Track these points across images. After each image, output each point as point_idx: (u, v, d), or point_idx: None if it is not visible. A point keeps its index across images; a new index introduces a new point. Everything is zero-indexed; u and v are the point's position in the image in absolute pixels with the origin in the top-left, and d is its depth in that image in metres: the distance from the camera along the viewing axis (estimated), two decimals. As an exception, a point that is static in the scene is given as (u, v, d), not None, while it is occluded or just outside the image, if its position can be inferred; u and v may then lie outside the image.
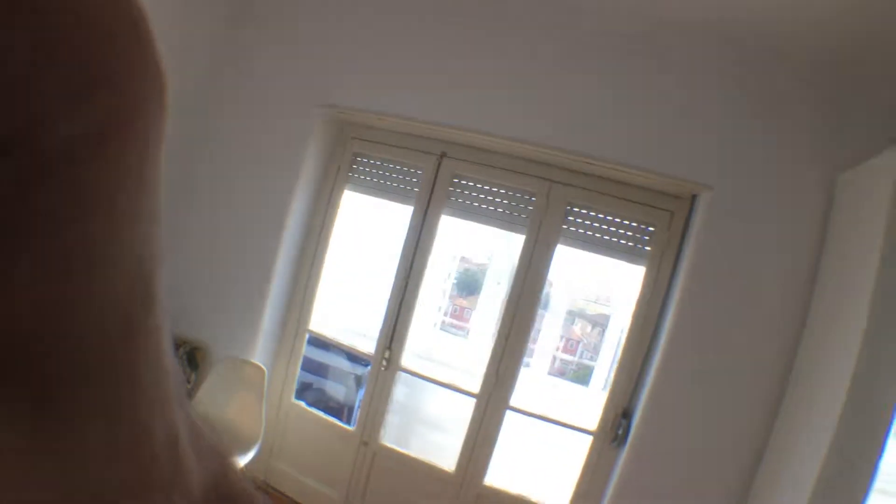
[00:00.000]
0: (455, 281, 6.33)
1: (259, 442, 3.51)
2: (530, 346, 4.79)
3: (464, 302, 6.18)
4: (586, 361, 4.78)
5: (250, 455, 3.45)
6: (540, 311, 4.02)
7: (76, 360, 0.25)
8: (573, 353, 5.28)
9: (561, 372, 5.00)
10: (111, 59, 0.23)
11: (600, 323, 4.92)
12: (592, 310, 5.24)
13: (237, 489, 0.40)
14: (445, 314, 6.32)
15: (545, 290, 3.69)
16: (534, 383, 4.56)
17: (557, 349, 5.25)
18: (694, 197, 3.19)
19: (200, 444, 0.35)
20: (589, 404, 3.61)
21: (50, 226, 0.22)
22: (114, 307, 0.25)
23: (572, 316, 5.21)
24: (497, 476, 3.76)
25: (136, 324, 0.27)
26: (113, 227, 0.24)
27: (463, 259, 6.24)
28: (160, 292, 0.28)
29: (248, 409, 3.62)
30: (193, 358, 3.99)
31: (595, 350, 5.01)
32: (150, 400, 0.29)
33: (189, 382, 3.95)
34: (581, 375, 4.84)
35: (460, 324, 6.19)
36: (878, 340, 2.21)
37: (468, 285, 6.14)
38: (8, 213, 0.21)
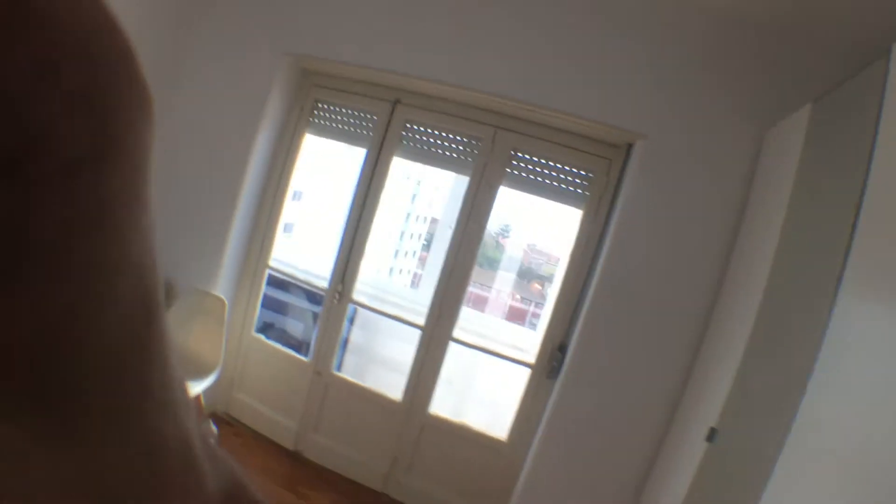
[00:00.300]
0: (425, 242, 6.58)
1: (219, 369, 3.72)
2: (486, 295, 5.04)
3: (426, 255, 6.44)
4: (538, 310, 5.03)
5: (210, 381, 3.65)
6: (498, 271, 4.26)
7: (86, 367, 0.25)
8: (528, 303, 5.52)
9: (517, 319, 5.25)
10: (106, 77, 0.25)
11: (549, 277, 5.16)
12: (546, 270, 5.47)
13: (253, 500, 0.42)
14: (410, 271, 6.60)
15: (504, 253, 3.90)
16: (486, 326, 4.81)
17: (513, 298, 5.50)
18: (630, 146, 3.41)
19: (213, 453, 0.36)
20: (534, 344, 3.85)
21: (55, 240, 0.23)
22: (120, 316, 0.26)
23: (527, 275, 5.44)
24: (441, 406, 4.04)
25: (142, 332, 0.28)
26: (115, 239, 0.25)
27: (433, 221, 6.49)
28: (162, 301, 0.29)
29: (208, 338, 3.84)
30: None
31: (545, 298, 5.27)
32: (161, 406, 0.30)
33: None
34: (533, 322, 5.09)
35: (419, 272, 6.45)
36: (779, 288, 2.45)
37: (430, 242, 6.40)
38: (14, 229, 0.22)
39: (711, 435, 2.55)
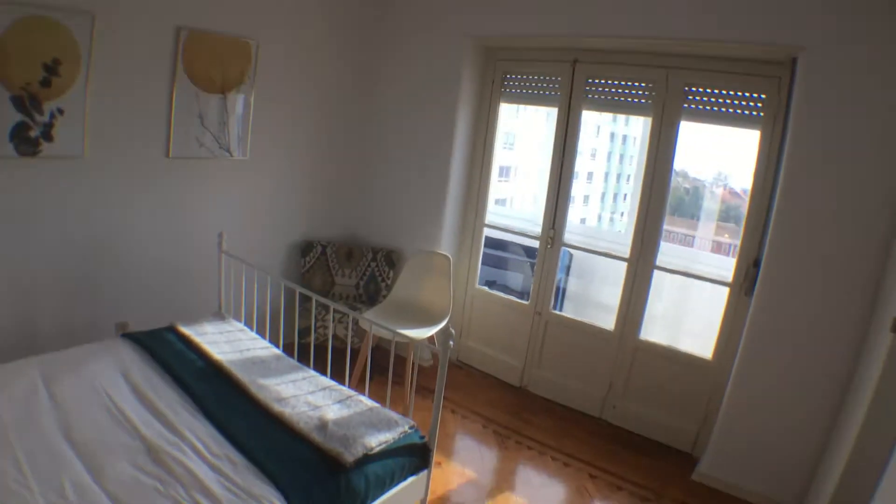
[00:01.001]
0: (623, 185, 7.03)
1: (448, 315, 4.37)
2: (690, 233, 5.35)
3: (624, 196, 6.87)
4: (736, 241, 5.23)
5: (441, 326, 4.30)
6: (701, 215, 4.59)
7: None
8: (732, 235, 5.70)
9: (718, 251, 5.47)
10: None
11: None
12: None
13: None
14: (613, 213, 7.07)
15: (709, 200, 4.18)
16: (688, 259, 5.11)
17: (715, 235, 5.68)
18: (794, 60, 3.55)
19: None
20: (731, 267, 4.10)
21: None
22: None
23: (730, 216, 5.59)
24: (650, 332, 4.43)
25: None
26: None
27: (628, 163, 6.90)
28: None
29: (438, 290, 4.54)
30: (390, 259, 5.00)
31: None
32: None
33: (388, 279, 4.94)
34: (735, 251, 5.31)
35: (620, 213, 6.86)
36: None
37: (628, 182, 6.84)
38: None
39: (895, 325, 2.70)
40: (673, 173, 4.15)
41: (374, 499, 2.52)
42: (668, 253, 4.43)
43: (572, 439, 4.22)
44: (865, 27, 3.14)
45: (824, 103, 3.29)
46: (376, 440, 2.62)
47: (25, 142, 3.23)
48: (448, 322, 4.25)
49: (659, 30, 3.76)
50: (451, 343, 2.76)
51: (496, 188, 5.08)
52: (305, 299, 4.51)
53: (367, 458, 2.52)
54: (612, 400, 4.48)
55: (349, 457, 2.45)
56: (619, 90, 4.29)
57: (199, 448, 2.44)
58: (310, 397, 2.94)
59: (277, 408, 2.78)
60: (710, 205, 5.49)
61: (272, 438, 2.57)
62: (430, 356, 4.99)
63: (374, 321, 3.42)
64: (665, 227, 4.26)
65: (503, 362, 4.98)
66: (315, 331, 4.48)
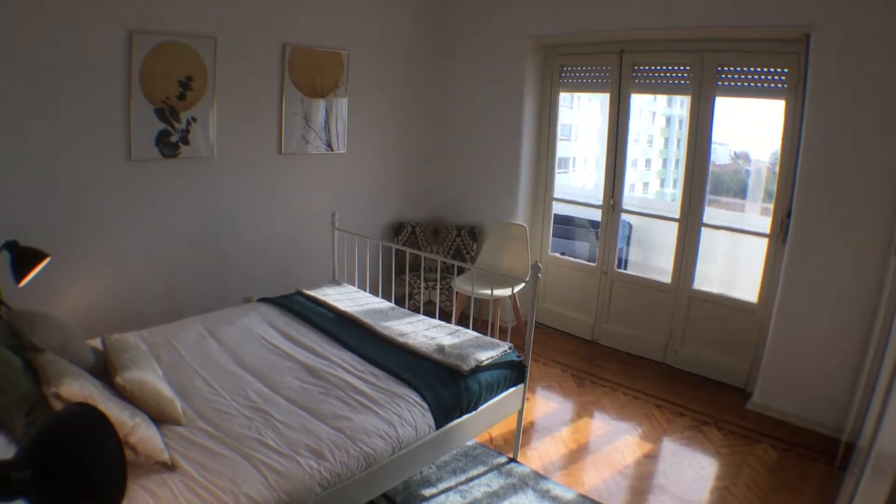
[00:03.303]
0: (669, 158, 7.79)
1: (527, 276, 5.16)
2: (739, 201, 6.07)
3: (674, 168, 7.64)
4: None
5: (520, 286, 5.16)
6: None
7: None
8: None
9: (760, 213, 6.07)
10: None
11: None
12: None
13: None
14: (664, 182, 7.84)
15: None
16: (733, 220, 5.82)
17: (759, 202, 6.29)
18: (807, 37, 4.21)
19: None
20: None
21: None
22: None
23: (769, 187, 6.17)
24: (703, 283, 5.19)
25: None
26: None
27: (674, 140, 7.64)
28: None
29: (517, 256, 5.38)
30: (473, 233, 5.87)
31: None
32: None
33: (472, 251, 5.80)
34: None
35: (670, 182, 7.59)
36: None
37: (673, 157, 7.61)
38: None
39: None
40: (731, 153, 4.89)
41: (486, 400, 3.40)
42: (716, 218, 5.19)
43: (640, 379, 5.01)
44: (867, 3, 3.80)
45: (835, 72, 3.98)
46: (485, 355, 3.48)
47: (168, 146, 4.22)
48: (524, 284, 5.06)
49: (690, 20, 4.52)
50: (539, 276, 3.57)
51: (557, 177, 5.94)
52: (399, 272, 5.45)
53: (479, 369, 3.39)
54: (673, 346, 5.24)
55: (465, 367, 3.32)
56: (661, 73, 5.10)
57: (346, 367, 3.33)
58: (425, 332, 3.83)
59: (401, 340, 3.66)
60: (760, 182, 6.13)
61: (402, 359, 3.45)
62: (513, 318, 5.76)
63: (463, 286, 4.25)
64: (717, 198, 4.98)
65: (576, 319, 5.81)
66: (411, 297, 5.41)
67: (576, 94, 6.00)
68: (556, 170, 5.88)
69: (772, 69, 4.50)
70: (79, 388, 2.21)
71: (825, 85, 4.03)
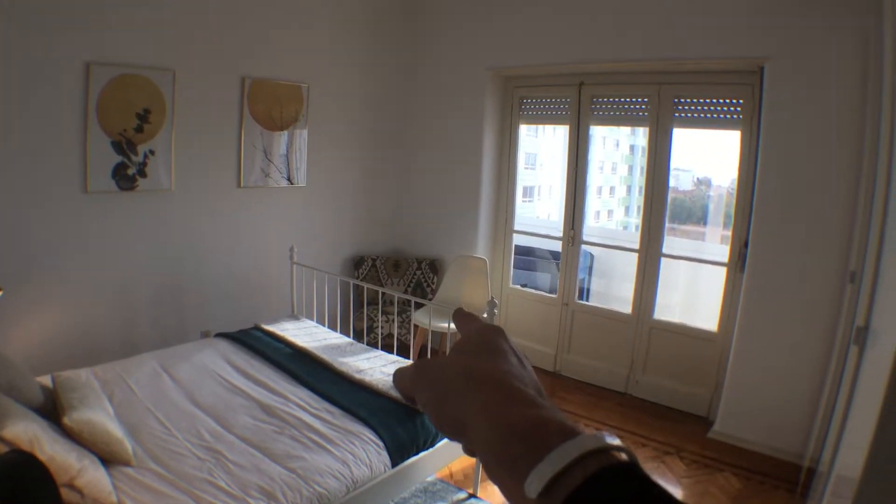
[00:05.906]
0: (629, 187, 7.95)
1: (485, 310, 5.23)
2: (700, 229, 6.20)
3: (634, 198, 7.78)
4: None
5: (484, 315, 5.19)
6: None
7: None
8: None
9: (718, 241, 6.20)
10: None
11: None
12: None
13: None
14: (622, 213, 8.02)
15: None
16: (691, 250, 5.96)
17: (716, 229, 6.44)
18: (762, 69, 4.36)
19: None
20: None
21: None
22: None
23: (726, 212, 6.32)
24: (662, 313, 5.28)
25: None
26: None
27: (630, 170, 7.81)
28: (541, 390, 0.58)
29: (477, 289, 5.45)
30: (434, 266, 5.93)
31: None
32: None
33: (433, 284, 5.85)
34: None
35: (629, 214, 7.77)
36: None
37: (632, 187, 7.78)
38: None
39: (853, 277, 3.45)
40: (694, 178, 5.01)
41: (443, 437, 3.40)
42: (677, 247, 5.29)
43: (602, 410, 5.07)
44: (818, 37, 3.98)
45: (789, 103, 4.15)
46: (441, 392, 3.49)
47: (124, 178, 4.21)
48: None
49: (648, 53, 4.68)
50: (496, 312, 3.65)
51: (521, 206, 6.02)
52: (359, 306, 5.47)
53: (435, 405, 3.40)
54: (635, 376, 5.31)
55: (421, 404, 3.34)
56: (620, 106, 5.25)
57: (302, 404, 3.36)
58: (383, 367, 3.87)
59: (358, 376, 3.69)
60: (720, 207, 6.28)
61: (359, 396, 3.48)
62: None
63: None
64: (679, 226, 5.10)
65: (538, 351, 5.86)
66: (371, 330, 5.44)
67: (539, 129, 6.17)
68: (522, 199, 5.99)
69: (727, 100, 4.65)
70: (24, 429, 2.20)
71: (779, 115, 4.19)
